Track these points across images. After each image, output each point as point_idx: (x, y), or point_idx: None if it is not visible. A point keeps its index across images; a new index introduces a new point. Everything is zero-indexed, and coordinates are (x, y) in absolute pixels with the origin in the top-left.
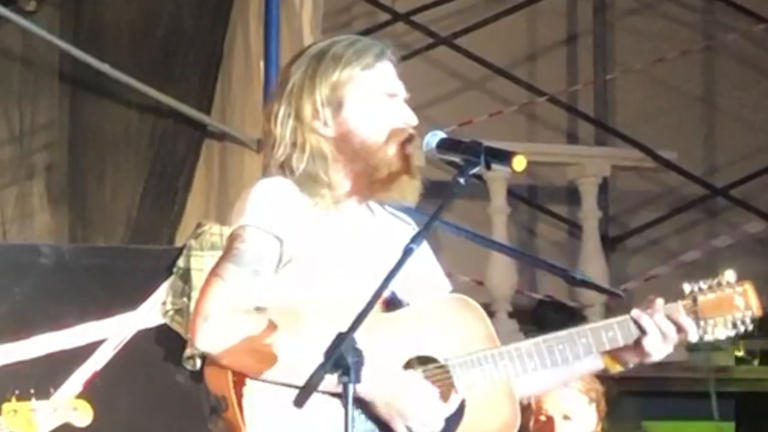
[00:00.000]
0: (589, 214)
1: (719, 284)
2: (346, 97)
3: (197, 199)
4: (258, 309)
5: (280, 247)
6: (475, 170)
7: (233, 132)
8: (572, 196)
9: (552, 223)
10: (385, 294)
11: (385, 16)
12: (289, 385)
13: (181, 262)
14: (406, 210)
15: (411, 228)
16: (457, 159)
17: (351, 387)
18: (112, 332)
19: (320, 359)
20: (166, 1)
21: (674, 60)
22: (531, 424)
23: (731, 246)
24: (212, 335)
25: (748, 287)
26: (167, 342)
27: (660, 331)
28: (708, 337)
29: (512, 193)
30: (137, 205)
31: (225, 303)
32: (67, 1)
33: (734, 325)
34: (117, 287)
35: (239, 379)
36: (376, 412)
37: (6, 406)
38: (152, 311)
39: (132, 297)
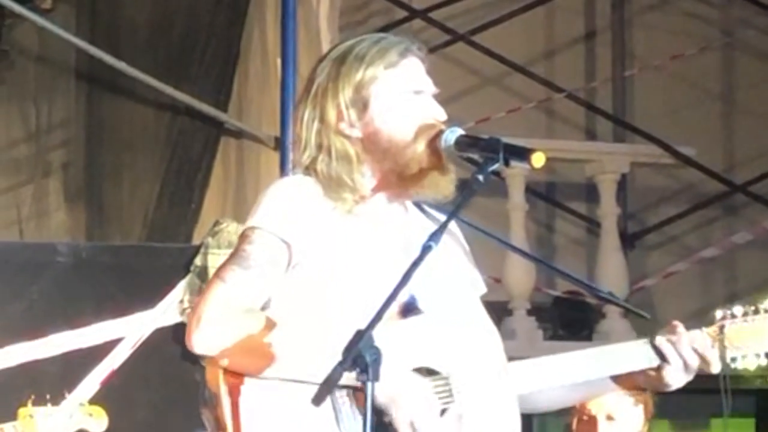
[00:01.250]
0: (608, 211)
1: (756, 311)
2: (371, 96)
3: (214, 197)
4: (262, 310)
5: (288, 251)
6: (494, 167)
7: (250, 130)
8: (591, 192)
9: (570, 220)
10: (404, 298)
11: (402, 13)
12: (293, 381)
13: (198, 261)
14: (438, 209)
15: (450, 227)
16: (475, 156)
17: (370, 385)
18: (130, 331)
19: (319, 360)
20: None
21: (693, 56)
22: (574, 423)
23: (750, 242)
24: (204, 338)
25: None
26: (185, 340)
27: (682, 362)
28: (737, 366)
29: (530, 190)
30: (154, 203)
31: (221, 306)
32: None
33: (767, 356)
34: (134, 286)
35: (235, 381)
36: (375, 404)
37: (22, 411)
38: (169, 309)
39: (149, 295)
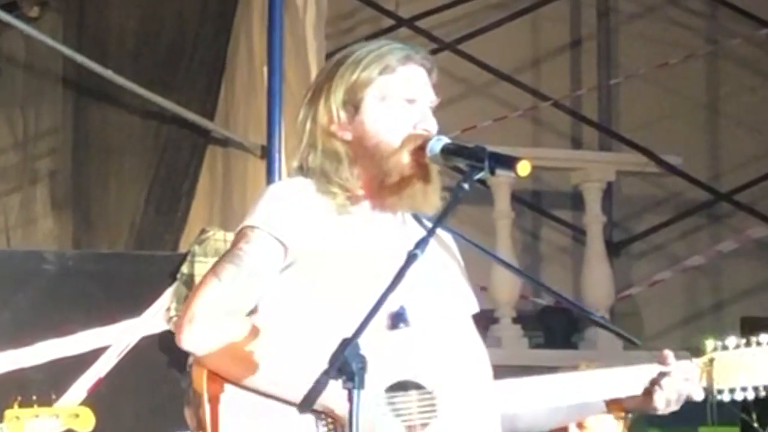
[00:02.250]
0: (594, 219)
1: (747, 343)
2: (363, 100)
3: (201, 206)
4: (250, 312)
5: (283, 252)
6: (480, 175)
7: (237, 138)
8: (576, 201)
9: (556, 228)
10: (394, 308)
11: (389, 22)
12: (268, 395)
13: (185, 269)
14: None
15: (445, 239)
16: (461, 164)
17: (356, 393)
18: (116, 339)
19: (303, 370)
20: (169, 8)
21: (678, 65)
22: None
23: (735, 251)
24: (195, 336)
25: None
26: (171, 348)
27: (676, 393)
28: (724, 399)
29: (516, 198)
30: (141, 211)
31: (214, 304)
32: (70, 7)
33: (755, 389)
34: (121, 293)
35: (217, 387)
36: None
37: (8, 412)
38: (156, 317)
39: (136, 303)
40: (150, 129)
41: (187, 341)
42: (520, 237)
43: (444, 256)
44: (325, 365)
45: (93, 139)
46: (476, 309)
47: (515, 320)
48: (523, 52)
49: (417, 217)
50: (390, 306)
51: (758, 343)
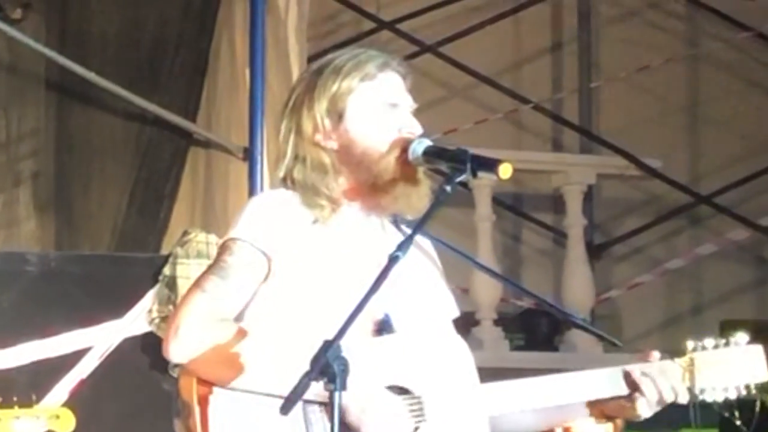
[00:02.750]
0: (574, 222)
1: (727, 343)
2: (346, 108)
3: (183, 207)
4: (237, 320)
5: (267, 264)
6: (461, 178)
7: (219, 140)
8: (557, 203)
9: (537, 231)
10: (379, 316)
11: (370, 25)
12: (257, 393)
13: (167, 270)
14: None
15: (423, 245)
16: (442, 167)
17: (337, 395)
18: (99, 340)
19: (290, 370)
20: (151, 10)
21: (658, 68)
22: None
23: (715, 253)
24: (181, 347)
25: (757, 351)
26: (153, 350)
27: (657, 394)
28: (707, 398)
29: (497, 201)
30: (123, 212)
31: (200, 315)
32: (52, 9)
33: (736, 389)
34: (103, 295)
35: (206, 391)
36: (346, 420)
37: None
38: (138, 319)
39: (118, 305)
40: (132, 131)
41: (174, 353)
42: (501, 240)
43: (424, 260)
44: (306, 367)
45: (75, 141)
46: (456, 313)
47: (496, 322)
48: (504, 55)
49: (396, 223)
50: (374, 313)
51: (736, 344)
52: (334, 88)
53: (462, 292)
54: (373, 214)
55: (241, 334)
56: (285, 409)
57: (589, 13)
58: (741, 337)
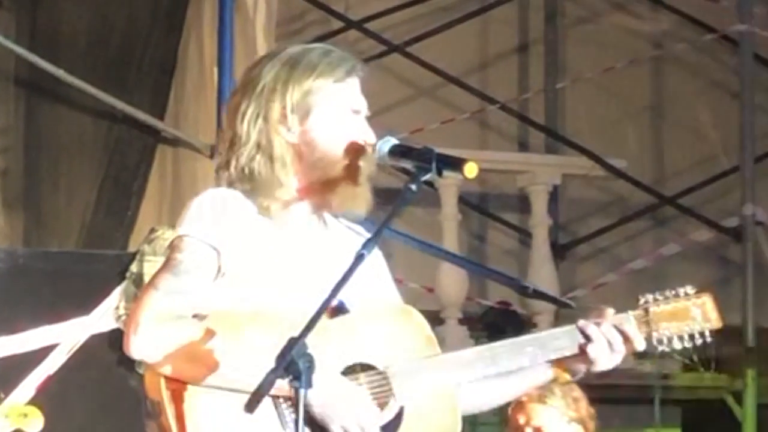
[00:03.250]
0: (539, 222)
1: (676, 295)
2: (314, 106)
3: (151, 205)
4: (195, 317)
5: (217, 258)
6: (427, 177)
7: (186, 138)
8: (523, 203)
9: (502, 231)
10: (333, 303)
11: (338, 24)
12: (231, 389)
13: (134, 267)
14: (363, 223)
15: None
16: (408, 166)
17: (303, 392)
18: (66, 337)
19: (261, 364)
20: (121, 8)
21: (623, 69)
22: None
23: (679, 254)
24: (144, 344)
25: (707, 299)
26: (120, 346)
27: (606, 340)
28: (664, 348)
29: (463, 201)
30: (91, 210)
31: (157, 312)
32: (23, 6)
33: (691, 337)
34: (70, 292)
35: (178, 387)
36: (311, 414)
37: None
38: (105, 316)
39: (85, 302)
40: (101, 128)
41: (135, 349)
42: (466, 239)
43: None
44: (272, 363)
45: (44, 138)
46: (400, 303)
47: (461, 321)
48: (471, 55)
49: (336, 216)
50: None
51: (686, 294)
52: (308, 84)
53: (427, 291)
54: (319, 211)
55: (210, 332)
56: (250, 406)
57: (555, 14)
58: (689, 288)
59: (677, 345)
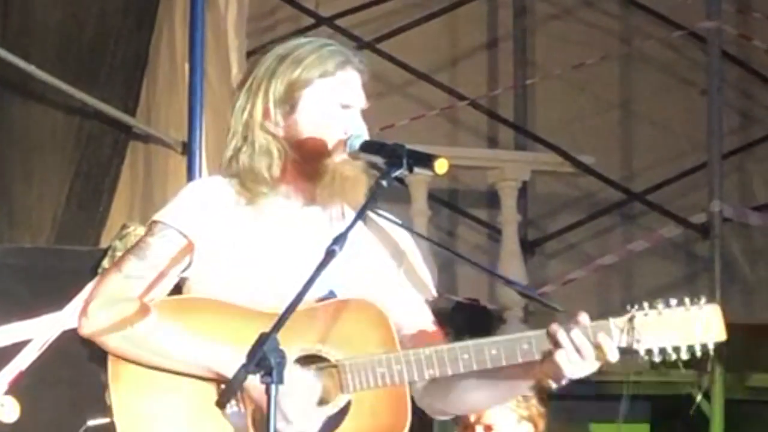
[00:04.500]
0: (509, 218)
1: (667, 305)
2: (299, 100)
3: (122, 201)
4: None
5: (188, 247)
6: (398, 173)
7: (158, 134)
8: (492, 199)
9: (472, 227)
10: (322, 293)
11: (308, 21)
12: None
13: (105, 263)
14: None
15: (392, 233)
16: (379, 161)
17: (274, 387)
18: (38, 332)
19: (198, 347)
20: (92, 4)
21: (593, 65)
22: None
23: (647, 250)
24: (87, 322)
25: (711, 309)
26: (92, 342)
27: (573, 347)
28: (655, 358)
29: (433, 197)
30: (63, 206)
31: (112, 292)
32: None
33: (690, 349)
34: (42, 288)
35: (114, 365)
36: (253, 401)
37: None
38: (77, 312)
39: (57, 297)
40: (72, 124)
41: (82, 327)
42: (436, 235)
43: (379, 246)
44: (241, 356)
45: (15, 134)
46: (430, 295)
47: None
48: (441, 51)
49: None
50: (318, 291)
51: (688, 303)
52: (292, 78)
53: None
54: (309, 204)
55: (145, 309)
56: (221, 402)
57: (524, 10)
58: (673, 300)
59: (673, 356)
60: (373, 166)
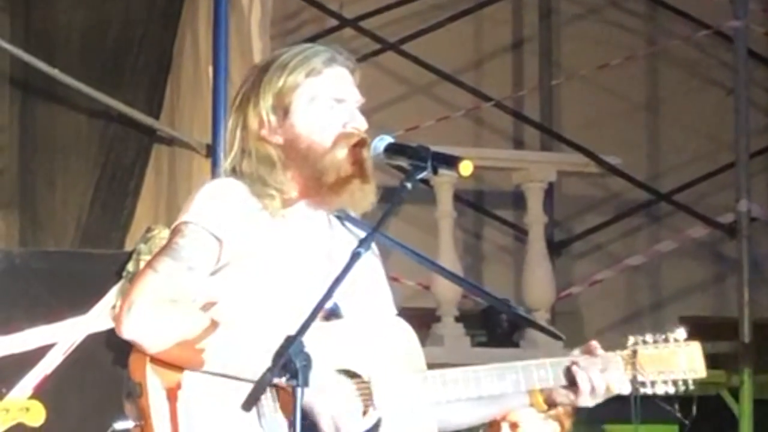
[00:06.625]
0: (535, 219)
1: (666, 340)
2: (292, 103)
3: (147, 204)
4: (202, 307)
5: (218, 247)
6: (423, 175)
7: (182, 137)
8: (518, 200)
9: (498, 228)
10: (327, 304)
11: (332, 22)
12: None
13: (130, 266)
14: (358, 223)
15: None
16: (404, 163)
17: (300, 390)
18: (62, 336)
19: (246, 368)
20: (116, 7)
21: (618, 66)
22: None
23: (675, 251)
24: (136, 324)
25: (694, 347)
26: (117, 346)
27: (591, 387)
28: (647, 392)
29: (459, 198)
30: (87, 209)
31: (154, 294)
32: (17, 5)
33: (674, 384)
34: (67, 291)
35: (173, 388)
36: (307, 411)
37: None
38: (102, 315)
39: (82, 301)
40: (96, 128)
41: (126, 330)
42: (462, 236)
43: (367, 255)
44: (268, 362)
45: (40, 137)
46: (394, 312)
47: (458, 319)
48: (466, 52)
49: (341, 219)
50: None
51: (675, 340)
52: (280, 83)
53: (423, 288)
54: (320, 209)
55: (213, 326)
56: (248, 404)
57: (549, 10)
58: (680, 333)
59: (660, 390)
60: (397, 168)
